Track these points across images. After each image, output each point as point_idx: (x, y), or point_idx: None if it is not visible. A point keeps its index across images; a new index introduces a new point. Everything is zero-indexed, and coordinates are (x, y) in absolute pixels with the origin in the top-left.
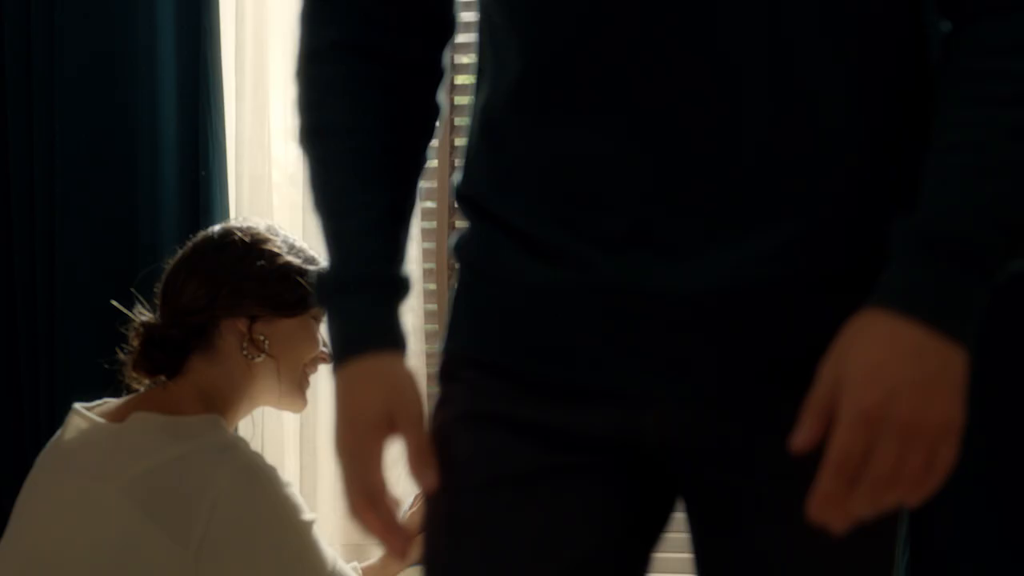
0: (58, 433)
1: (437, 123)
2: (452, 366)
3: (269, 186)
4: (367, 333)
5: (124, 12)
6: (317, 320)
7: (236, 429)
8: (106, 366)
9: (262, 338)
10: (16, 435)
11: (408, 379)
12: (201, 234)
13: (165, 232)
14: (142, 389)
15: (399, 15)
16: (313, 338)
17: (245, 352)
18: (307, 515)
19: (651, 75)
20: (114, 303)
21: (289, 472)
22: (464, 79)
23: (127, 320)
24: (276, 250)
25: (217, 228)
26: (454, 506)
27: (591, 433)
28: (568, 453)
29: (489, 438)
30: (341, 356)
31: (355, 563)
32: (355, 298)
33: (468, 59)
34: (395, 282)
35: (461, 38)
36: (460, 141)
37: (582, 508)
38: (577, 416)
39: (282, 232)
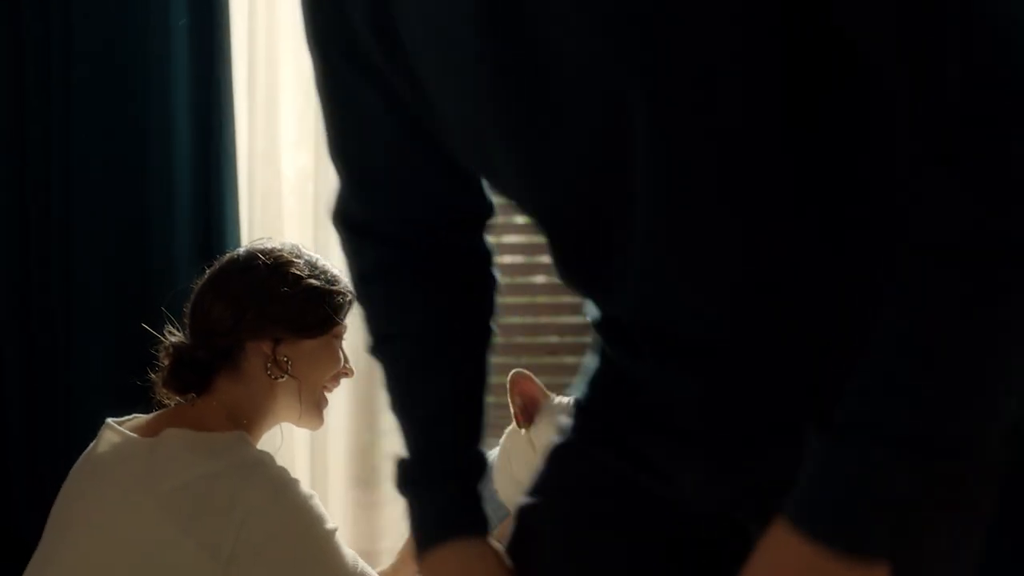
0: (91, 446)
1: (496, 294)
2: None
3: (279, 199)
4: (446, 523)
5: (138, 32)
6: (338, 338)
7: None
8: (137, 383)
9: (285, 359)
10: (32, 450)
11: (491, 559)
12: (227, 256)
13: (178, 242)
14: (172, 404)
15: (434, 218)
16: (334, 356)
17: (269, 372)
18: (330, 524)
19: None
20: (145, 327)
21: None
22: None
23: (143, 333)
24: (299, 273)
25: (242, 251)
26: None
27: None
28: None
29: None
30: (423, 546)
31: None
32: (431, 489)
33: None
34: (469, 466)
35: None
36: None
37: None
38: None
39: (305, 254)
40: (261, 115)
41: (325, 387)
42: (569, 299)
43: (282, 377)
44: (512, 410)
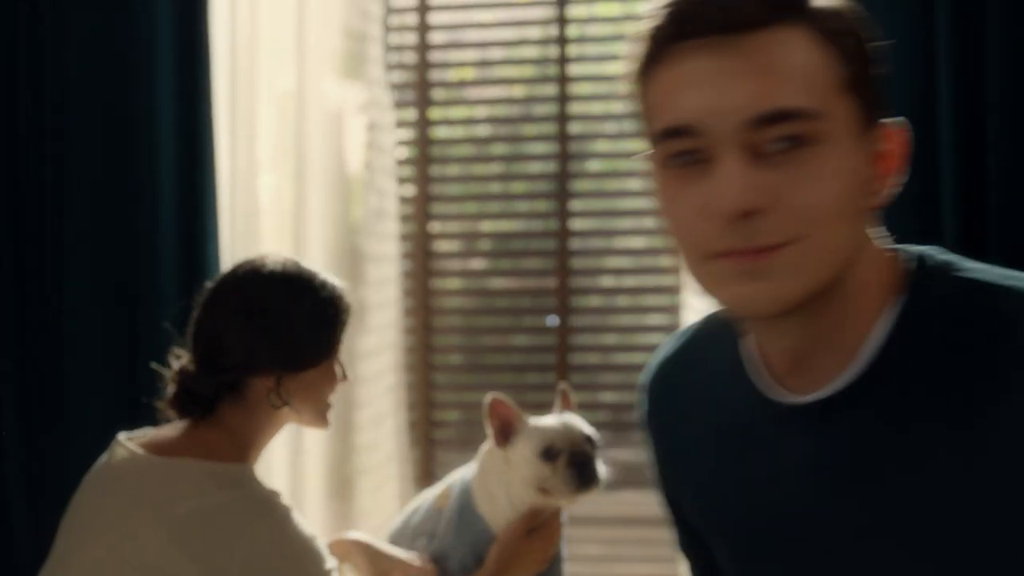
0: (103, 458)
1: None
2: None
3: (257, 215)
4: None
5: (122, 51)
6: (337, 358)
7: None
8: (144, 400)
9: (287, 394)
10: (25, 464)
11: None
12: (234, 288)
13: (162, 255)
14: (174, 418)
15: None
16: (333, 377)
17: (272, 403)
18: (328, 563)
19: None
20: (154, 366)
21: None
22: None
23: (130, 344)
24: (308, 306)
25: (252, 274)
26: None
27: None
28: None
29: None
30: None
31: None
32: None
33: None
34: None
35: None
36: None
37: None
38: None
39: (309, 274)
40: (242, 135)
41: (328, 400)
42: (531, 321)
43: (284, 406)
44: (490, 432)
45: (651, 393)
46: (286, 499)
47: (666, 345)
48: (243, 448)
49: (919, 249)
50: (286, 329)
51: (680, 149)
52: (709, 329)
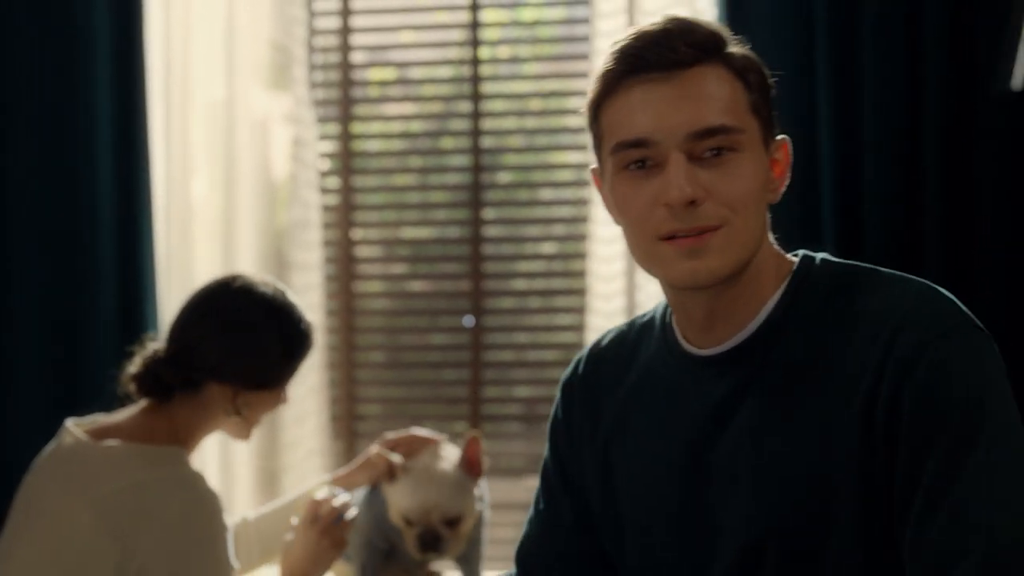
0: (49, 446)
1: None
2: None
3: (190, 218)
4: None
5: (65, 68)
6: (287, 387)
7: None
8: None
9: (242, 406)
10: None
11: None
12: (228, 289)
13: (100, 253)
14: (129, 395)
15: None
16: (279, 400)
17: (225, 411)
18: (234, 562)
19: None
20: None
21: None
22: None
23: (71, 329)
24: (280, 337)
25: (244, 292)
26: None
27: None
28: None
29: None
30: None
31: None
32: None
33: None
34: None
35: None
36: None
37: None
38: None
39: (291, 311)
40: (175, 142)
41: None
42: (448, 321)
43: (234, 417)
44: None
45: (588, 363)
46: (210, 484)
47: (609, 331)
48: (181, 437)
49: (807, 252)
50: (261, 350)
51: (635, 157)
52: (644, 319)
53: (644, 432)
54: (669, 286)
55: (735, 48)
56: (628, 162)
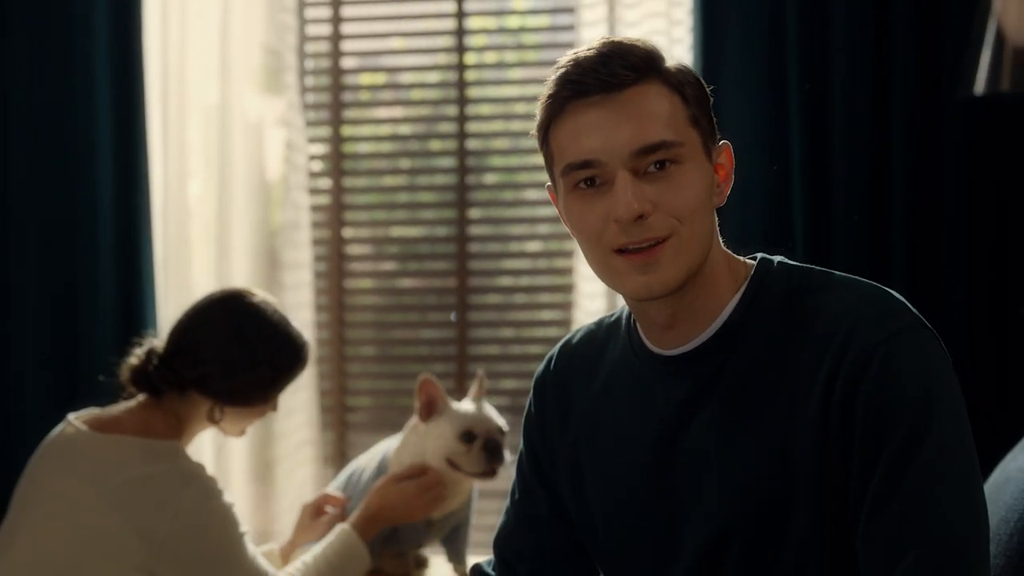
0: (50, 436)
1: None
2: None
3: (187, 218)
4: None
5: (66, 74)
6: (273, 402)
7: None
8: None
9: (218, 415)
10: None
11: None
12: (229, 308)
13: (101, 254)
14: (123, 387)
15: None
16: (262, 413)
17: (207, 417)
18: (243, 527)
19: None
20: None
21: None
22: None
23: (72, 330)
24: (266, 359)
25: (241, 314)
26: None
27: None
28: None
29: None
30: None
31: (272, 545)
32: None
33: None
34: None
35: None
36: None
37: None
38: None
39: (296, 337)
40: (173, 145)
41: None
42: (435, 316)
43: (216, 424)
44: (417, 405)
45: (559, 360)
46: (210, 472)
47: (579, 328)
48: (177, 430)
49: (765, 255)
50: (250, 372)
51: (584, 177)
52: (611, 319)
53: (612, 428)
54: (627, 297)
55: (670, 64)
56: (578, 181)
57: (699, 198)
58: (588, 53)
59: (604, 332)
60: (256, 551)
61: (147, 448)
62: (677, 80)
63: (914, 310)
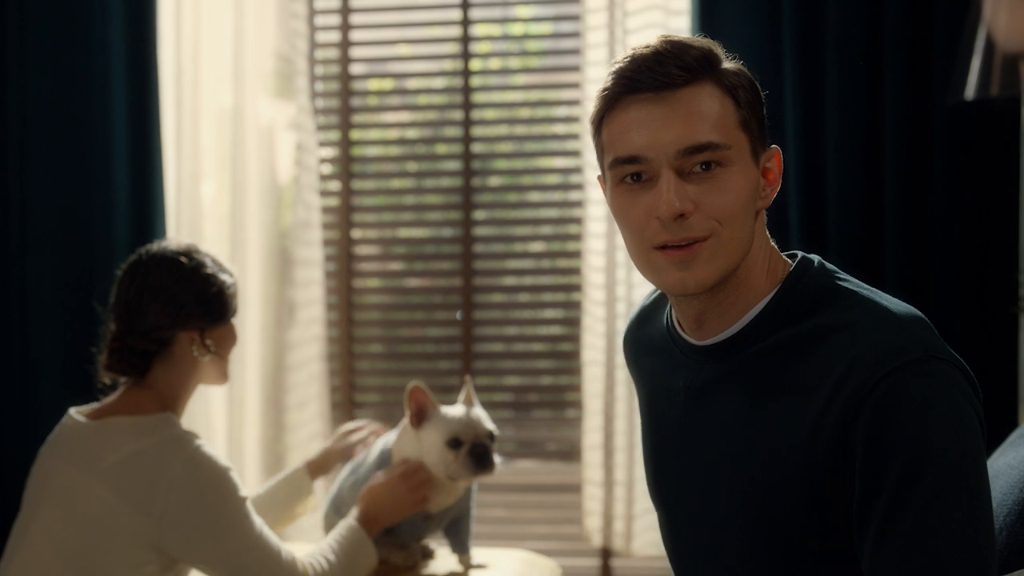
0: (55, 431)
1: None
2: None
3: (200, 217)
4: None
5: (83, 78)
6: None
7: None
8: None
9: (209, 343)
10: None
11: None
12: (148, 259)
13: (118, 254)
14: (111, 382)
15: None
16: (235, 332)
17: (196, 353)
18: (242, 492)
19: None
20: (95, 304)
21: (219, 438)
22: None
23: (87, 326)
24: (212, 272)
25: (160, 254)
26: None
27: None
28: None
29: None
30: None
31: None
32: None
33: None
34: None
35: None
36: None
37: None
38: None
39: (206, 252)
40: (186, 148)
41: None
42: (441, 315)
43: (206, 356)
44: (408, 413)
45: (628, 337)
46: (200, 439)
47: (638, 305)
48: (168, 403)
49: (807, 255)
50: (201, 295)
51: (630, 172)
52: (656, 292)
53: (647, 402)
54: (664, 292)
55: (728, 65)
56: (624, 176)
57: (741, 202)
58: (645, 50)
59: (651, 305)
60: (260, 519)
61: (136, 425)
62: (731, 83)
63: (930, 339)
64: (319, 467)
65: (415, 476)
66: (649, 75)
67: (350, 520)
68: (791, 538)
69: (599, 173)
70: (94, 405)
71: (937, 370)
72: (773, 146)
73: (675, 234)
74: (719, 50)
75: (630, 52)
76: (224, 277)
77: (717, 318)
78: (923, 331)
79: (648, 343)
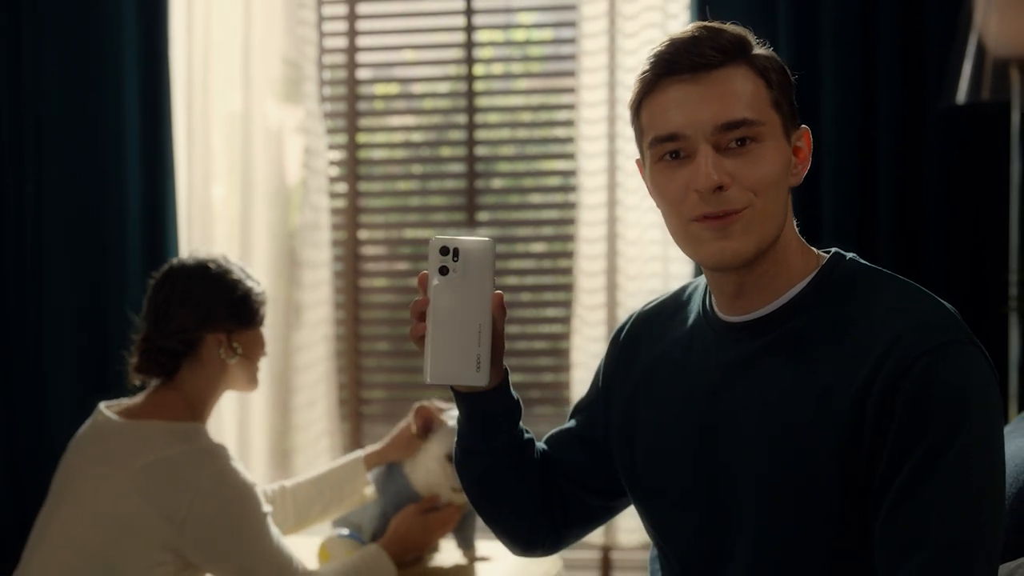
0: (84, 425)
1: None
2: None
3: (211, 220)
4: None
5: (96, 83)
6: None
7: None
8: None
9: (236, 345)
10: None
11: None
12: (177, 265)
13: (130, 255)
14: (140, 383)
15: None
16: (263, 340)
17: (223, 356)
18: (265, 508)
19: None
20: (127, 310)
21: (228, 438)
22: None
23: (103, 325)
24: (236, 278)
25: (190, 260)
26: None
27: None
28: None
29: None
30: None
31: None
32: None
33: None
34: None
35: None
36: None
37: None
38: None
39: (234, 262)
40: (197, 151)
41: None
42: None
43: (234, 359)
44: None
45: (636, 320)
46: (230, 452)
47: (663, 294)
48: (196, 408)
49: (839, 250)
50: (227, 298)
51: (670, 149)
52: (693, 287)
53: (669, 383)
54: (702, 265)
55: (759, 50)
56: (664, 153)
57: (775, 175)
58: (682, 35)
59: (685, 298)
60: (279, 533)
61: (168, 431)
62: (763, 66)
63: (962, 325)
64: (377, 460)
65: (445, 515)
66: (686, 56)
67: (375, 545)
68: (816, 499)
69: (637, 157)
70: (124, 402)
71: (974, 353)
72: (803, 126)
73: (713, 206)
74: (752, 37)
75: (668, 37)
76: (251, 284)
77: (755, 292)
78: (961, 320)
79: (659, 338)
